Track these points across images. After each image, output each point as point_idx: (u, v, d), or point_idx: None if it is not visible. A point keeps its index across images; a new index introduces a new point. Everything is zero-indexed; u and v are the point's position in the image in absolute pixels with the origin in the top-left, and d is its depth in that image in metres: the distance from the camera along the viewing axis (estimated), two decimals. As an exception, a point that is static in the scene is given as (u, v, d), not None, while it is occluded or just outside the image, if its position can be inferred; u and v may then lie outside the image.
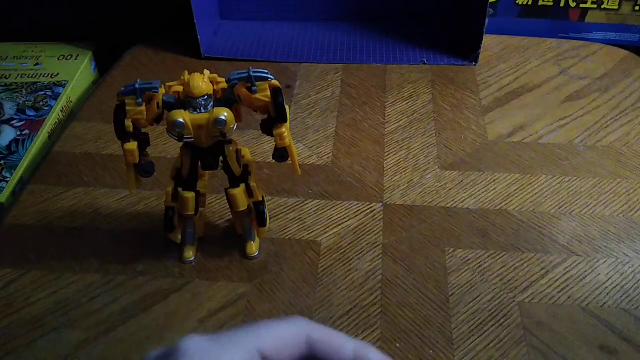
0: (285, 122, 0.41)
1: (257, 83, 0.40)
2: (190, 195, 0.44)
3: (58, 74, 0.73)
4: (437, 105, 0.65)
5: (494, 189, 0.54)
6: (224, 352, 0.24)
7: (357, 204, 0.53)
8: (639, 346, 0.42)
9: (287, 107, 0.40)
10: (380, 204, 0.53)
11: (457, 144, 0.60)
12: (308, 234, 0.51)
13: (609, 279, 0.47)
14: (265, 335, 0.26)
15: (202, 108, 0.40)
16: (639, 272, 0.47)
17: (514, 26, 0.76)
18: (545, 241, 0.50)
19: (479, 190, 0.54)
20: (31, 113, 0.67)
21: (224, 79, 0.41)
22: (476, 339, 0.43)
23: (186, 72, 0.40)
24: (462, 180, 0.55)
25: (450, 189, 0.54)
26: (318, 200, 0.53)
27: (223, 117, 0.39)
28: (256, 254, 0.48)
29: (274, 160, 0.43)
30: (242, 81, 0.40)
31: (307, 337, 0.26)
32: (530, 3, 0.75)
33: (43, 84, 0.71)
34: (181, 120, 0.39)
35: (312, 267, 0.48)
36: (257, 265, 0.48)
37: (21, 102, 0.69)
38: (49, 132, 0.65)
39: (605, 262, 0.48)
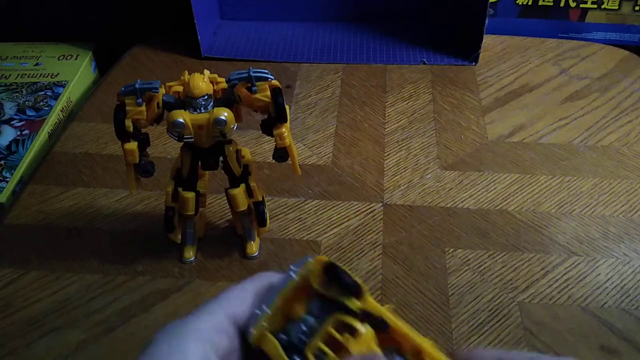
0: (285, 122, 0.41)
1: (257, 83, 0.40)
2: (190, 195, 0.44)
3: (58, 74, 0.73)
4: (437, 105, 0.65)
5: (494, 189, 0.54)
6: (189, 336, 0.23)
7: (357, 204, 0.53)
8: (639, 346, 0.42)
9: (287, 107, 0.40)
10: (380, 204, 0.53)
11: (457, 144, 0.60)
12: (308, 234, 0.51)
13: (609, 279, 0.47)
14: (229, 299, 0.24)
15: (202, 108, 0.40)
16: (639, 272, 0.47)
17: (514, 26, 0.76)
18: (545, 241, 0.50)
19: (479, 190, 0.54)
20: (31, 113, 0.67)
21: (224, 79, 0.41)
22: (476, 339, 0.43)
23: (186, 72, 0.40)
24: (462, 180, 0.55)
25: (450, 189, 0.54)
26: (318, 200, 0.53)
27: (223, 117, 0.39)
28: (256, 254, 0.48)
29: (274, 160, 0.43)
30: (242, 81, 0.40)
31: (268, 284, 0.25)
32: (530, 3, 0.75)
33: (43, 84, 0.71)
34: (181, 120, 0.39)
35: (312, 267, 0.48)
36: (257, 265, 0.48)
37: (21, 102, 0.69)
38: (49, 132, 0.65)
39: (605, 262, 0.48)
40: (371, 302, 0.24)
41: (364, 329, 0.24)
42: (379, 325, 0.24)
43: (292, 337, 0.24)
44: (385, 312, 0.24)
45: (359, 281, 0.24)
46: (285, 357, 0.24)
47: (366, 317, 0.24)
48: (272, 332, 0.24)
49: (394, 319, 0.24)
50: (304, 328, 0.24)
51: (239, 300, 0.25)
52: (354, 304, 0.24)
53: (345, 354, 0.23)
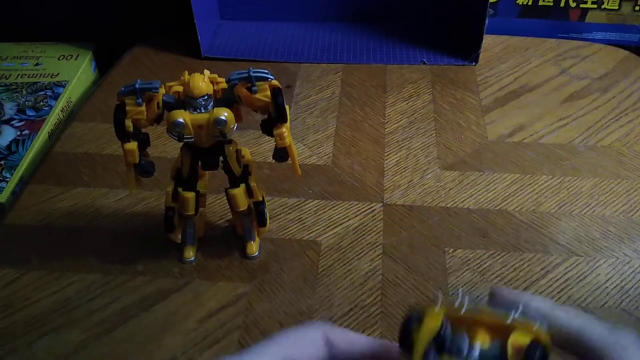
0: (285, 122, 0.41)
1: (257, 83, 0.40)
2: (190, 195, 0.44)
3: (58, 74, 0.73)
4: (437, 105, 0.65)
5: (494, 189, 0.54)
6: None
7: (357, 204, 0.53)
8: (639, 346, 0.42)
9: (287, 107, 0.40)
10: (380, 204, 0.53)
11: (457, 144, 0.60)
12: (308, 234, 0.51)
13: (609, 279, 0.47)
14: (286, 343, 0.26)
15: (202, 108, 0.40)
16: (639, 272, 0.47)
17: (514, 26, 0.76)
18: (545, 241, 0.50)
19: (479, 190, 0.54)
20: (31, 113, 0.67)
21: (224, 79, 0.41)
22: (476, 339, 0.42)
23: (186, 72, 0.40)
24: (462, 180, 0.55)
25: (450, 189, 0.54)
26: (318, 200, 0.53)
27: (223, 117, 0.39)
28: (256, 254, 0.48)
29: (274, 160, 0.43)
30: (242, 81, 0.40)
31: (325, 336, 0.26)
32: (530, 3, 0.75)
33: (43, 84, 0.71)
34: (181, 120, 0.39)
35: (312, 267, 0.48)
36: (257, 265, 0.48)
37: (21, 102, 0.69)
38: (49, 132, 0.65)
39: (605, 262, 0.48)
40: None
41: None
42: None
43: (451, 345, 0.22)
44: None
45: None
46: (423, 343, 0.22)
47: None
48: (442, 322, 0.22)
49: None
50: (464, 351, 0.22)
51: (298, 345, 0.26)
52: None
53: None
